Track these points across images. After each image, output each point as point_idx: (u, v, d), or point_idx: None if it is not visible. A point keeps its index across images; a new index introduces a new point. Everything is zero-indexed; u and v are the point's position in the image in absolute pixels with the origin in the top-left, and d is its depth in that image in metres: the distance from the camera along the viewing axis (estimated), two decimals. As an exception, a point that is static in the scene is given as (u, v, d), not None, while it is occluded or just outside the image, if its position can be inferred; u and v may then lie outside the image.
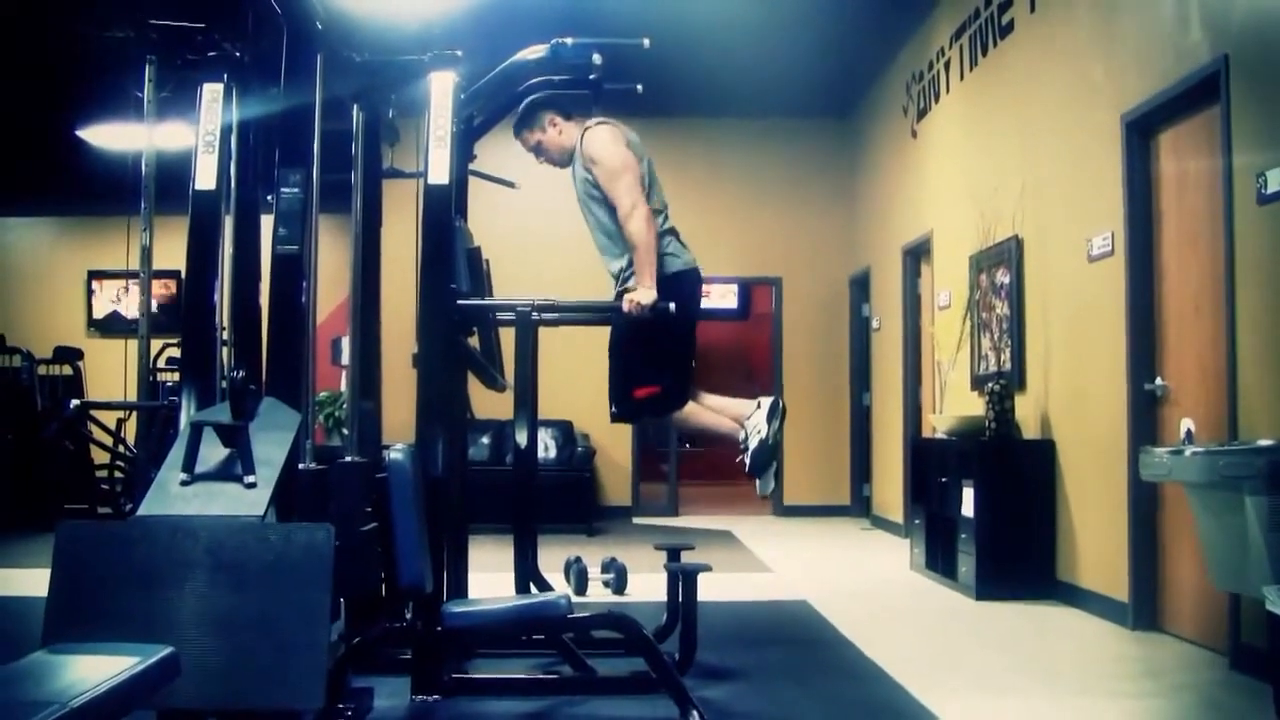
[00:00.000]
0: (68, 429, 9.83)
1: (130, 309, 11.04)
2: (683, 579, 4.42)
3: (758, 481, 4.46)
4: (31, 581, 4.28)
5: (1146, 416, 5.49)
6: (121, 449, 10.10)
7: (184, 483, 3.19)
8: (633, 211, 4.41)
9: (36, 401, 10.37)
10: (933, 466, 7.46)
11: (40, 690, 2.03)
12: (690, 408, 4.54)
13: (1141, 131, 5.59)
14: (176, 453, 3.28)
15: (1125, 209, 5.63)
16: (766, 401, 4.50)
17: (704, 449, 14.99)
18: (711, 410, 4.59)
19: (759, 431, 4.43)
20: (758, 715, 4.10)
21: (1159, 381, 5.41)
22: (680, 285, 4.49)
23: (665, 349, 4.49)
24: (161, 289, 11.46)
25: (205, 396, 3.68)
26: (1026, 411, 6.88)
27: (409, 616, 3.91)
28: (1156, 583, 5.47)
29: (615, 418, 4.65)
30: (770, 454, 4.43)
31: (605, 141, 4.55)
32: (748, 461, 4.46)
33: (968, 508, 6.64)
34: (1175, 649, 5.14)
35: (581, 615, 3.99)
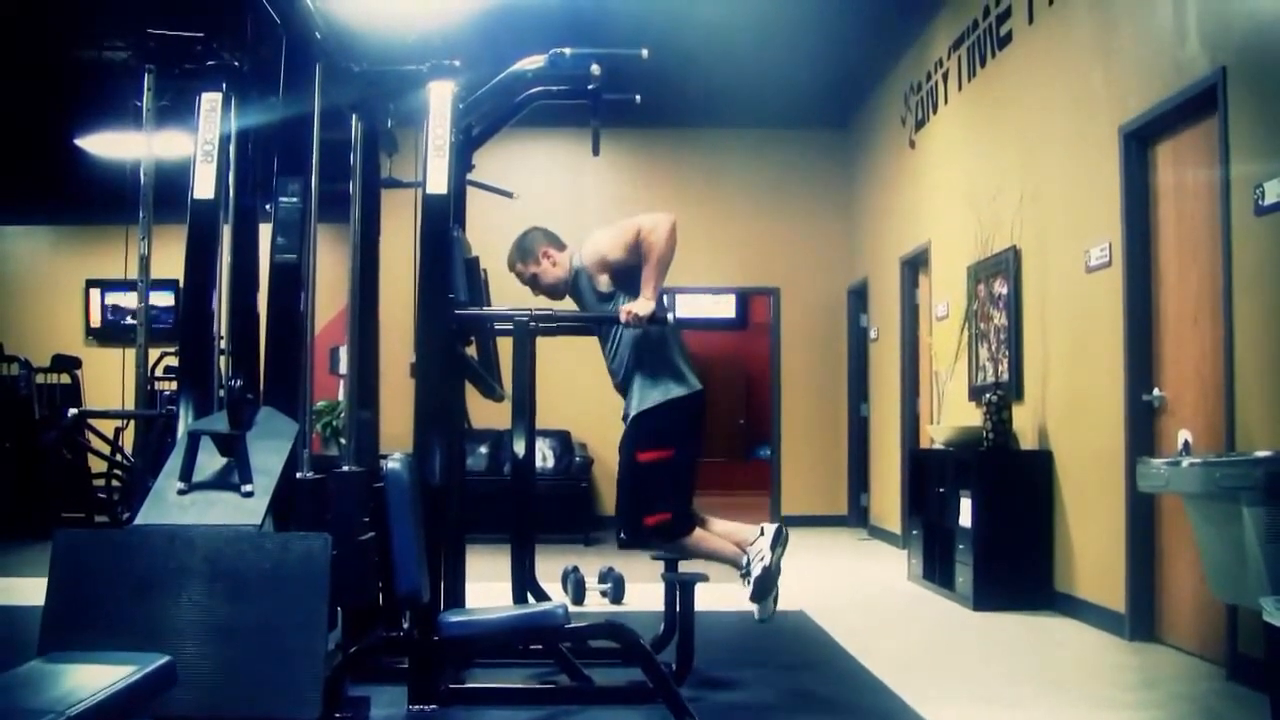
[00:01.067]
0: (65, 437, 9.83)
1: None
2: (680, 589, 4.41)
3: (756, 607, 4.42)
4: (28, 590, 4.28)
5: (1144, 427, 5.49)
6: (119, 457, 10.10)
7: (181, 491, 3.19)
8: (658, 222, 4.37)
9: (34, 410, 10.37)
10: (930, 477, 7.46)
11: (37, 699, 2.03)
12: (697, 534, 4.49)
13: (1140, 142, 5.60)
14: (174, 461, 3.28)
15: (1123, 220, 5.64)
16: (770, 528, 4.48)
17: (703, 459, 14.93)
18: (716, 536, 4.56)
19: (762, 559, 4.41)
20: (755, 726, 4.10)
21: (1157, 392, 5.41)
22: (687, 406, 4.50)
23: (674, 474, 4.47)
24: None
25: (203, 405, 3.69)
26: (1024, 422, 6.88)
27: (406, 626, 3.90)
28: (1154, 593, 5.47)
29: (624, 544, 4.62)
30: (773, 581, 4.42)
31: (601, 231, 4.55)
32: (750, 588, 4.41)
33: (965, 518, 6.64)
34: (1172, 659, 5.13)
35: (579, 625, 3.98)
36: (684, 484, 4.52)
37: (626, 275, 4.46)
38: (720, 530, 4.58)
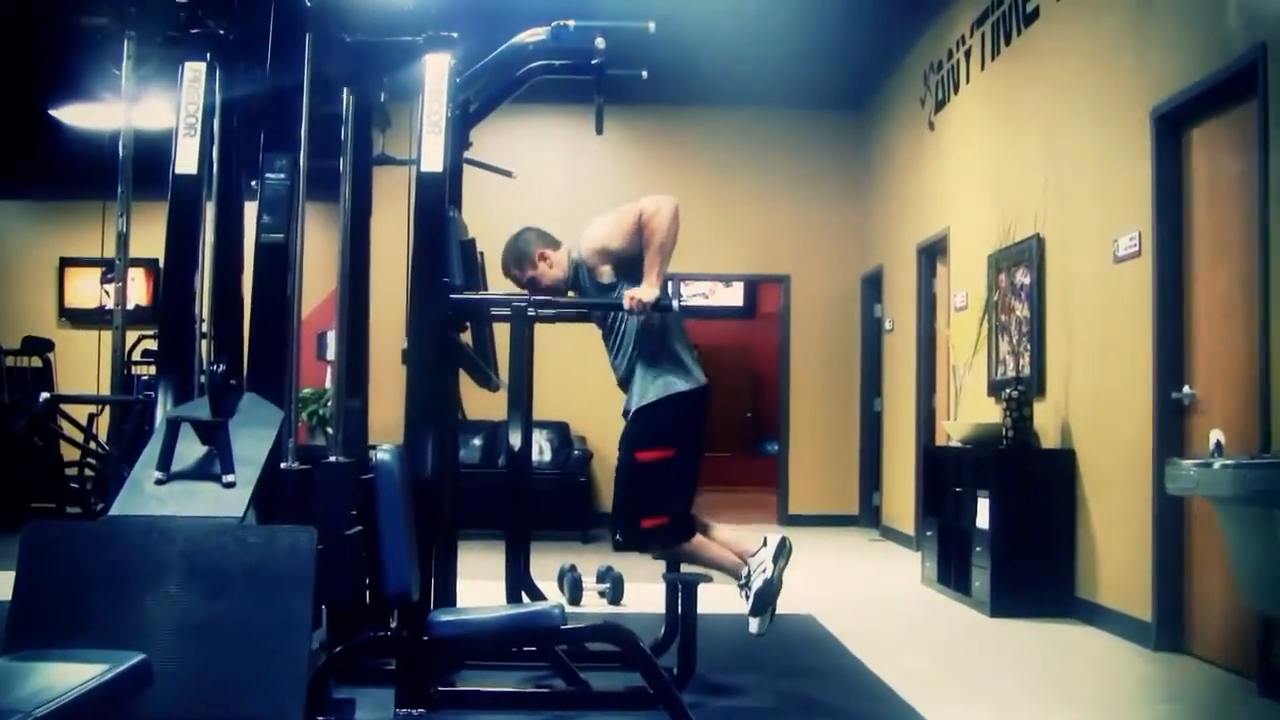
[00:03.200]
0: (36, 424, 9.81)
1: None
2: (682, 590, 4.42)
3: (754, 620, 4.40)
4: (-3, 584, 4.27)
5: (1173, 426, 5.48)
6: (93, 445, 10.09)
7: (159, 481, 3.18)
8: (660, 205, 4.39)
9: (4, 394, 10.36)
10: (946, 476, 7.46)
11: (2, 699, 2.02)
12: (697, 539, 4.49)
13: (1173, 125, 5.58)
14: (151, 450, 3.27)
15: (1154, 207, 5.63)
16: (774, 539, 4.47)
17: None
18: (717, 544, 4.55)
19: (764, 571, 4.39)
20: (760, 735, 4.10)
21: (1187, 390, 5.40)
22: (692, 402, 4.50)
23: (674, 475, 4.48)
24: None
25: (183, 391, 3.68)
26: (1046, 419, 6.88)
27: (394, 625, 3.90)
28: (1182, 601, 5.47)
29: (620, 546, 4.62)
30: (773, 595, 4.40)
31: (599, 220, 4.57)
32: (750, 601, 4.40)
33: (983, 520, 6.64)
34: (1200, 672, 5.13)
35: (576, 626, 3.98)
36: (685, 486, 4.52)
37: (629, 264, 4.46)
38: (721, 538, 4.57)
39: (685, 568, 4.59)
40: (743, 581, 4.44)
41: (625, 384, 4.57)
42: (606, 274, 4.52)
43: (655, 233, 4.36)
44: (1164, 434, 5.50)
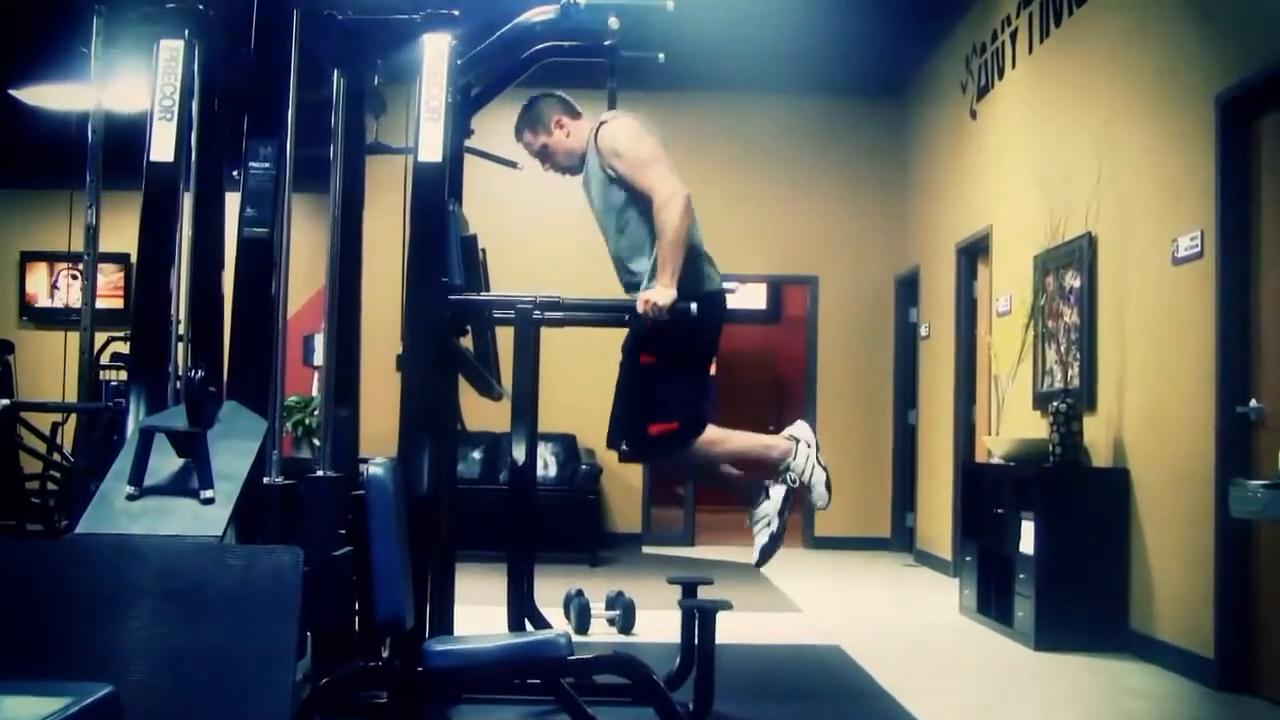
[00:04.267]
0: (-5, 432, 9.83)
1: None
2: (699, 618, 4.41)
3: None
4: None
5: (1238, 443, 5.46)
6: (56, 456, 10.10)
7: (131, 497, 3.19)
8: (672, 197, 4.41)
9: (-41, 401, 10.37)
10: (987, 496, 7.44)
11: (-39, 733, 2.02)
12: (710, 433, 4.56)
13: (1239, 114, 5.57)
14: (123, 462, 3.27)
15: (1218, 204, 5.61)
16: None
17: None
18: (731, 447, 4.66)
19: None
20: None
21: (1253, 404, 5.38)
22: (713, 306, 4.53)
23: (685, 379, 4.52)
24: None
25: (157, 399, 3.68)
26: (1097, 435, 6.86)
27: (386, 655, 3.89)
28: (1248, 637, 5.44)
29: (625, 457, 4.68)
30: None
31: (628, 131, 4.56)
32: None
33: (1027, 544, 6.62)
34: (1270, 715, 5.11)
35: (583, 657, 3.97)
36: (696, 391, 4.57)
37: (635, 193, 4.52)
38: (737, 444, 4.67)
39: (703, 591, 4.59)
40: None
41: (631, 282, 4.61)
42: (615, 194, 4.57)
43: (665, 227, 4.38)
44: (1227, 452, 5.48)
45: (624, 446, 4.62)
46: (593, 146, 4.61)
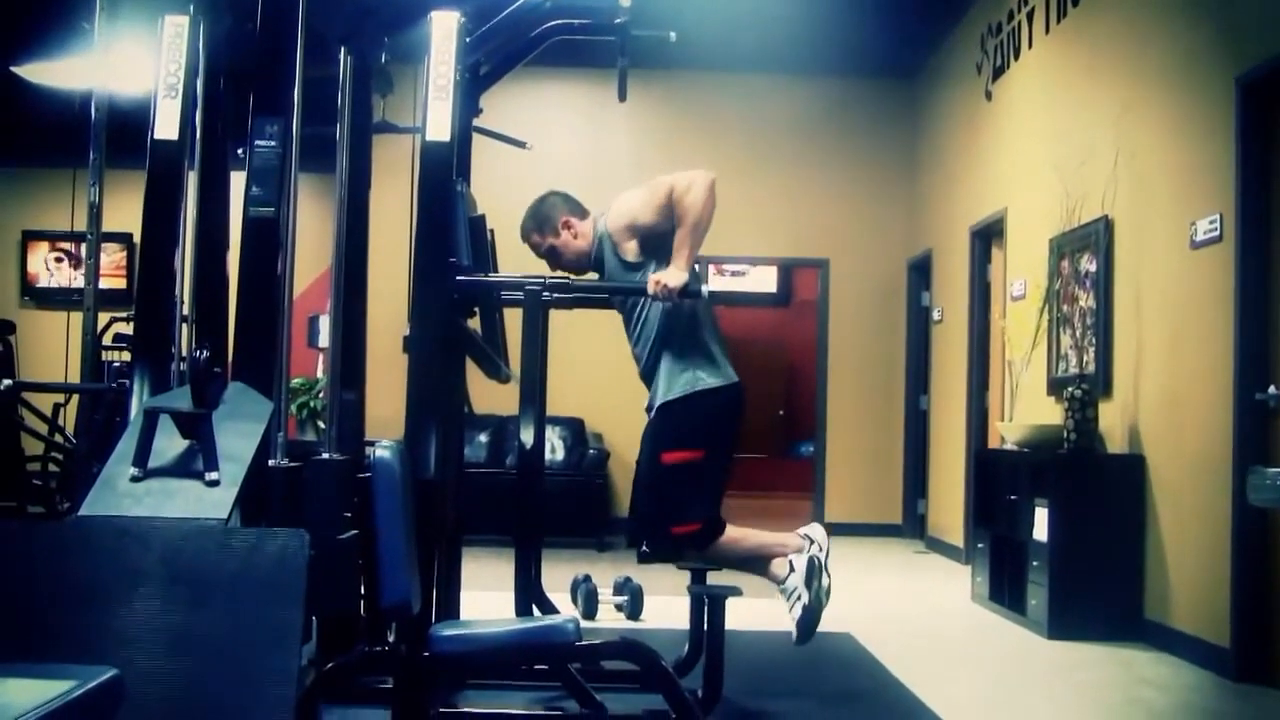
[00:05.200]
0: (-4, 414, 9.85)
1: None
2: (708, 604, 4.41)
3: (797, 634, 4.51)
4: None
5: (1257, 430, 5.45)
6: (59, 438, 10.12)
7: (135, 479, 3.18)
8: (694, 181, 4.40)
9: (-41, 382, 10.38)
10: (1000, 482, 7.43)
11: (-39, 717, 2.03)
12: (730, 532, 4.55)
13: (1260, 97, 5.55)
14: (126, 444, 3.27)
15: (1237, 188, 5.59)
16: (801, 562, 4.51)
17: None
18: (754, 536, 4.65)
19: (800, 599, 4.48)
20: (793, 767, 4.10)
21: (1272, 390, 5.37)
22: (730, 400, 4.55)
23: (707, 478, 4.52)
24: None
25: (161, 380, 3.68)
26: (1112, 421, 6.85)
27: (391, 639, 3.90)
28: (1265, 627, 5.44)
29: (646, 558, 4.66)
30: (819, 615, 4.48)
31: (629, 193, 4.60)
32: (795, 633, 4.48)
33: (1040, 531, 6.62)
34: (1284, 704, 5.11)
35: (591, 643, 3.97)
36: (715, 489, 4.56)
37: (657, 242, 4.47)
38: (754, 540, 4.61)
39: (712, 577, 4.59)
40: (782, 585, 4.50)
41: (648, 377, 4.58)
42: (632, 251, 4.53)
43: (688, 210, 4.36)
44: (1245, 438, 5.47)
45: (645, 547, 4.62)
46: (605, 237, 4.61)
